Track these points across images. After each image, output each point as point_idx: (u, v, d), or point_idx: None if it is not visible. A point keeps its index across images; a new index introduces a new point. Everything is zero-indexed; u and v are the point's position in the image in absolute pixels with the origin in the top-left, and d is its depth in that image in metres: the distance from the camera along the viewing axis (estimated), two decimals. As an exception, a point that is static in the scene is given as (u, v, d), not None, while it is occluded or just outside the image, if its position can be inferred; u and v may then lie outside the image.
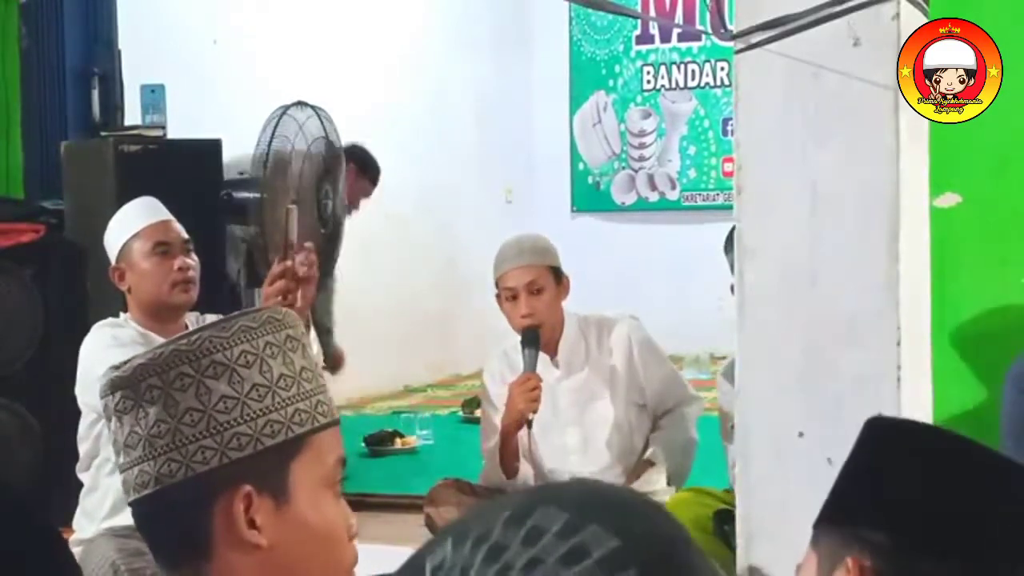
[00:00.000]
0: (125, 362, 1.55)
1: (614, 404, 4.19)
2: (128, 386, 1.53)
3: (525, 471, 4.20)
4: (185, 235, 3.83)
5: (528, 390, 4.01)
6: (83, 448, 3.79)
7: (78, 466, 3.82)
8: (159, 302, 3.75)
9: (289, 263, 3.61)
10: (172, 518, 1.52)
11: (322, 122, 6.06)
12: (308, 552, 1.54)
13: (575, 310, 4.26)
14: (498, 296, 4.16)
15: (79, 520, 3.79)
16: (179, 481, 1.50)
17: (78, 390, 3.74)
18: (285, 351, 1.55)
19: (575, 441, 4.18)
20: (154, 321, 3.72)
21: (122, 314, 3.82)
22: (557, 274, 4.14)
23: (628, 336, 4.20)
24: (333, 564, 1.57)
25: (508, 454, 4.14)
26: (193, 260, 3.80)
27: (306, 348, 1.59)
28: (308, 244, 3.66)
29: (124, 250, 3.78)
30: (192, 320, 3.79)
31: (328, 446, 1.56)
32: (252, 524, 1.51)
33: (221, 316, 3.85)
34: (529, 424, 4.07)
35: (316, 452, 1.55)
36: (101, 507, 3.71)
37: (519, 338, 4.20)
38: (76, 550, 3.74)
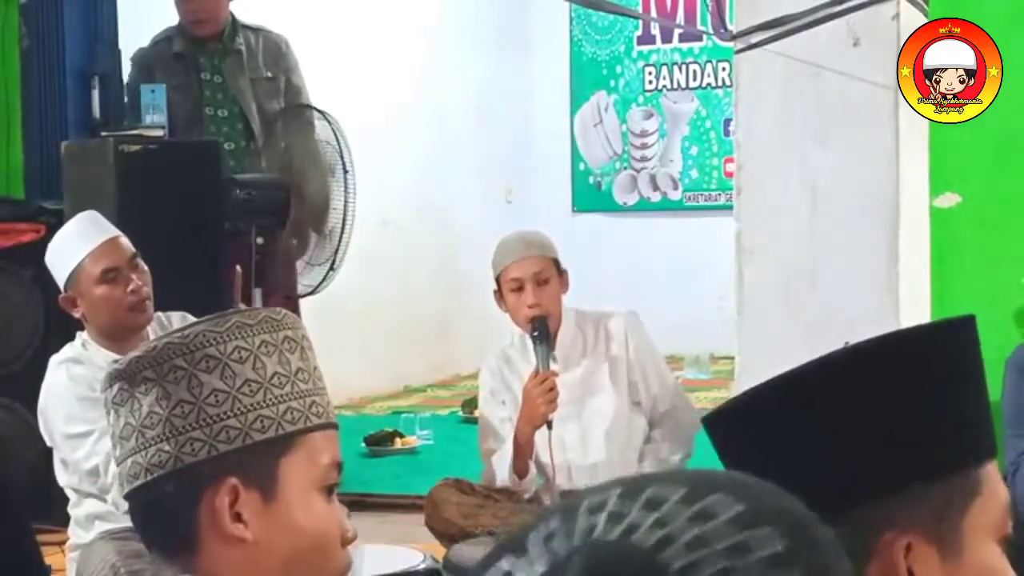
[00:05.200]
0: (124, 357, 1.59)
1: (611, 399, 4.17)
2: (124, 378, 1.56)
3: (531, 471, 4.18)
4: (131, 250, 3.72)
5: (546, 390, 3.99)
6: (62, 479, 3.71)
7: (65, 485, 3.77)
8: (116, 327, 3.68)
9: None
10: (162, 510, 1.54)
11: (328, 123, 6.07)
12: (295, 551, 1.54)
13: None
14: (497, 292, 4.14)
15: (73, 528, 3.76)
16: (168, 472, 1.52)
17: (43, 433, 3.67)
18: (282, 351, 1.57)
19: (572, 436, 4.16)
20: (113, 341, 3.65)
21: (79, 335, 3.73)
22: (558, 266, 4.14)
23: (624, 331, 4.18)
24: (322, 567, 1.57)
25: (523, 454, 4.11)
26: (143, 273, 3.71)
27: (305, 351, 1.60)
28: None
29: (72, 279, 3.68)
30: (154, 322, 3.74)
31: (321, 447, 1.57)
32: (238, 518, 1.52)
33: (184, 313, 3.85)
34: (549, 424, 4.06)
35: (308, 452, 1.55)
36: (93, 517, 3.67)
37: (518, 336, 4.19)
38: (74, 555, 3.72)
